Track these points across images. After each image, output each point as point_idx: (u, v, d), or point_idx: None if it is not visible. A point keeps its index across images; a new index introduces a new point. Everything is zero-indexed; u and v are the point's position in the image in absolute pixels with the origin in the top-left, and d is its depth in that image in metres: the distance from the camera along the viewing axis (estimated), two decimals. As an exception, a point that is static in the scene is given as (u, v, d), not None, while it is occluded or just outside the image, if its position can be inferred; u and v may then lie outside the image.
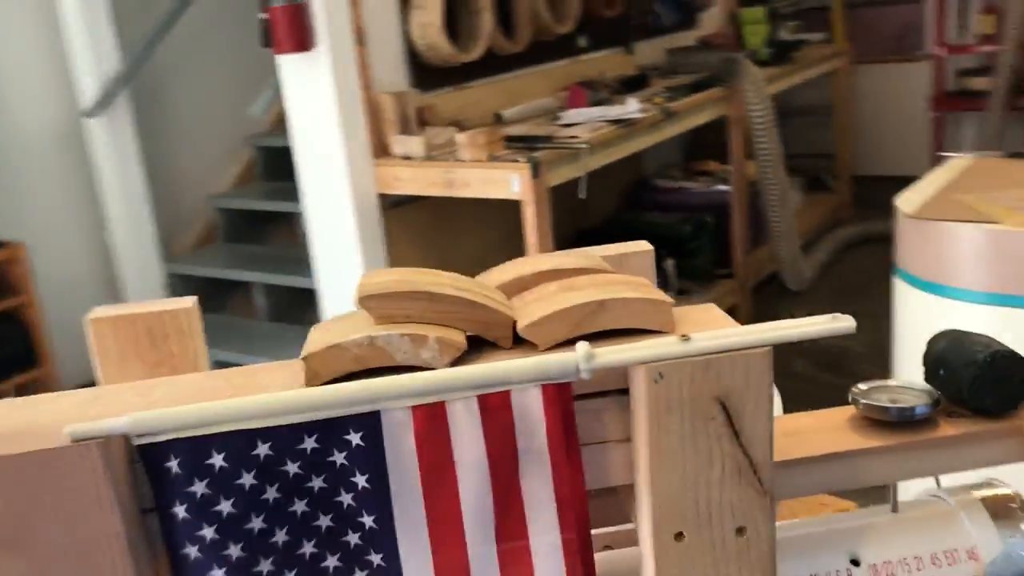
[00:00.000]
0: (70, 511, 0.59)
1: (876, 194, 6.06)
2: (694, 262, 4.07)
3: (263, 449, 0.61)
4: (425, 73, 3.40)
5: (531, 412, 0.62)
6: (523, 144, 2.98)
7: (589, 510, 0.65)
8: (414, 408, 0.61)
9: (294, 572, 0.63)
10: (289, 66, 3.11)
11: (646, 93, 3.83)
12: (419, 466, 0.62)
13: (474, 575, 0.64)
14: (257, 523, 0.61)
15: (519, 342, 0.66)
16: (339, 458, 0.62)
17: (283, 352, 3.62)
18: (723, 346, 0.61)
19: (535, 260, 0.77)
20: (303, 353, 0.64)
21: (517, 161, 2.83)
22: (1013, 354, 0.78)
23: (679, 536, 0.65)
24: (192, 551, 0.61)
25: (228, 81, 4.38)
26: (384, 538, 0.63)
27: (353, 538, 0.64)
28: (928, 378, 0.83)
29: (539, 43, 3.83)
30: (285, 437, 0.61)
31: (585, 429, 0.65)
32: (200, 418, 0.59)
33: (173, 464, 0.60)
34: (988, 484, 0.86)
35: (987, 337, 0.81)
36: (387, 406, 0.61)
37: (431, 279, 0.67)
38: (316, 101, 3.08)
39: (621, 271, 0.78)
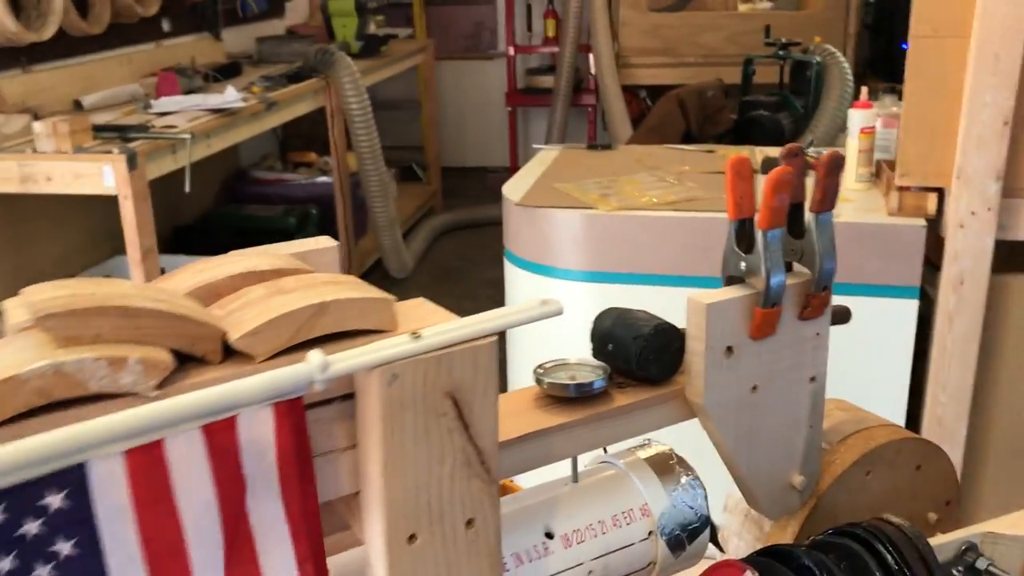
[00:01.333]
0: None
1: (463, 184, 6.46)
2: (301, 255, 4.01)
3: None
4: (-16, 52, 2.97)
5: (260, 433, 0.57)
6: (115, 134, 2.72)
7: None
8: (128, 452, 0.52)
9: None
10: None
11: (241, 81, 3.70)
12: (136, 516, 0.54)
13: None
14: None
15: (228, 354, 0.60)
16: (33, 527, 0.51)
17: None
18: (453, 339, 0.60)
19: (221, 263, 0.70)
20: (-38, 391, 0.52)
21: (111, 152, 2.57)
22: (671, 326, 0.87)
23: (412, 538, 0.63)
24: None
25: None
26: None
27: (51, 611, 0.53)
28: (596, 353, 0.90)
29: (119, 25, 3.52)
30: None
31: (312, 441, 0.60)
32: None
33: None
34: (646, 445, 0.95)
35: (646, 312, 0.89)
36: (95, 454, 0.51)
37: (116, 290, 0.58)
38: None
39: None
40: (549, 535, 0.84)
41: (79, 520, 0.51)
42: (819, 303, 0.89)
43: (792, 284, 0.87)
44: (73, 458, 0.50)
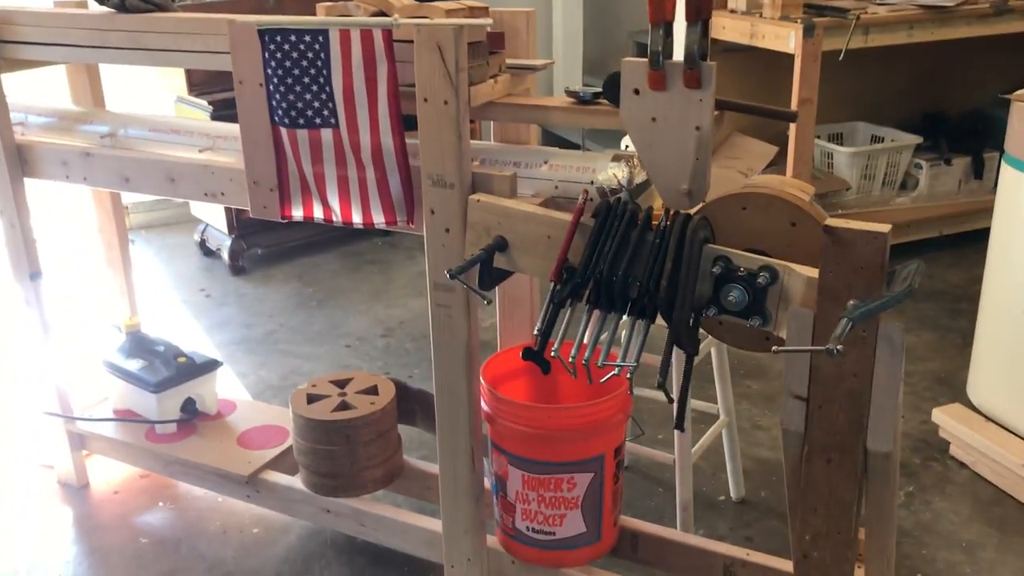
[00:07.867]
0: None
1: None
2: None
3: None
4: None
5: (379, 42, 1.67)
6: (815, 11, 3.59)
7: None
8: (340, 31, 1.70)
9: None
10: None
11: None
12: (341, 61, 1.71)
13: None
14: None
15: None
16: (316, 47, 1.73)
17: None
18: (450, 23, 1.61)
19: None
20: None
21: (796, 22, 3.48)
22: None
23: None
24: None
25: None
26: (332, 109, 1.74)
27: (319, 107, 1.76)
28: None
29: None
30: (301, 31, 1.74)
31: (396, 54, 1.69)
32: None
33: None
34: (629, 157, 1.70)
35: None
36: (331, 27, 1.70)
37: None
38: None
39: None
40: (548, 161, 1.73)
41: (322, 51, 1.72)
42: (690, 77, 1.52)
43: (672, 63, 1.53)
44: (323, 27, 1.71)
